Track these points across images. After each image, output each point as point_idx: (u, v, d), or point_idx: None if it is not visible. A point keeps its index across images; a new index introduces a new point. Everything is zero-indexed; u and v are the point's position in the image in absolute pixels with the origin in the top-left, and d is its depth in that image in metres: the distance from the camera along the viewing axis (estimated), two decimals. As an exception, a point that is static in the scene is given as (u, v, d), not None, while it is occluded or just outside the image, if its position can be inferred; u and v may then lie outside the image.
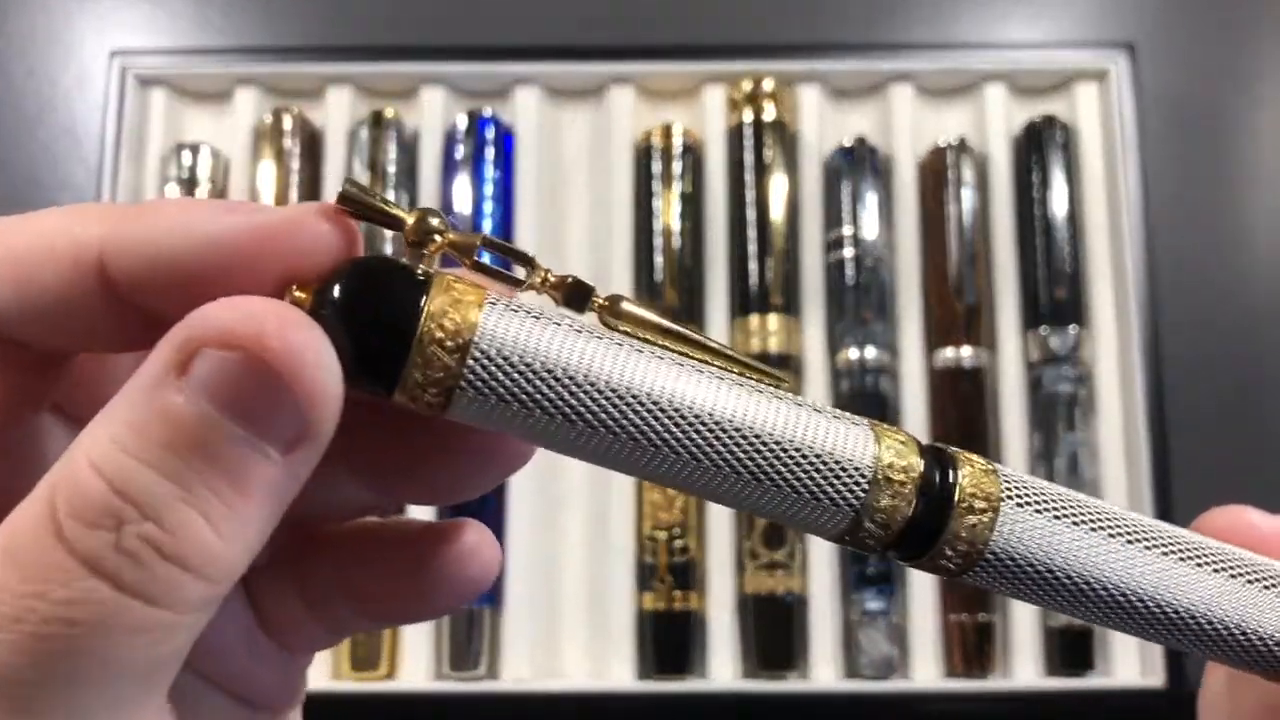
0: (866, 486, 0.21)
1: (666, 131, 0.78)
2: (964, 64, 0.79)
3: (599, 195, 0.78)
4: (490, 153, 0.77)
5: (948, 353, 0.75)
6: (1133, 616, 0.23)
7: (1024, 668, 0.71)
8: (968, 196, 0.76)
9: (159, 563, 0.17)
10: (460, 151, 0.77)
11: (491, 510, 0.72)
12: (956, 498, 0.22)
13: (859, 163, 0.77)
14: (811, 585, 0.72)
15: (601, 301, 0.21)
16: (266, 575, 0.23)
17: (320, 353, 0.18)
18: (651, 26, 0.81)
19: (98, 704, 0.17)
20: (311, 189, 0.77)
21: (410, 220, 0.20)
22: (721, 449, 0.21)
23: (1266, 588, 0.24)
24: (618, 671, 0.71)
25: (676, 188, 0.77)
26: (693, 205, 0.77)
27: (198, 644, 0.21)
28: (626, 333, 0.21)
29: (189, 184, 0.77)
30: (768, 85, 0.77)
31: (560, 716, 0.71)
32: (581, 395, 0.20)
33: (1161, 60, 0.79)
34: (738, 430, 0.21)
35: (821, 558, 0.72)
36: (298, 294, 0.19)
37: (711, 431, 0.20)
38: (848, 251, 0.76)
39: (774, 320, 0.74)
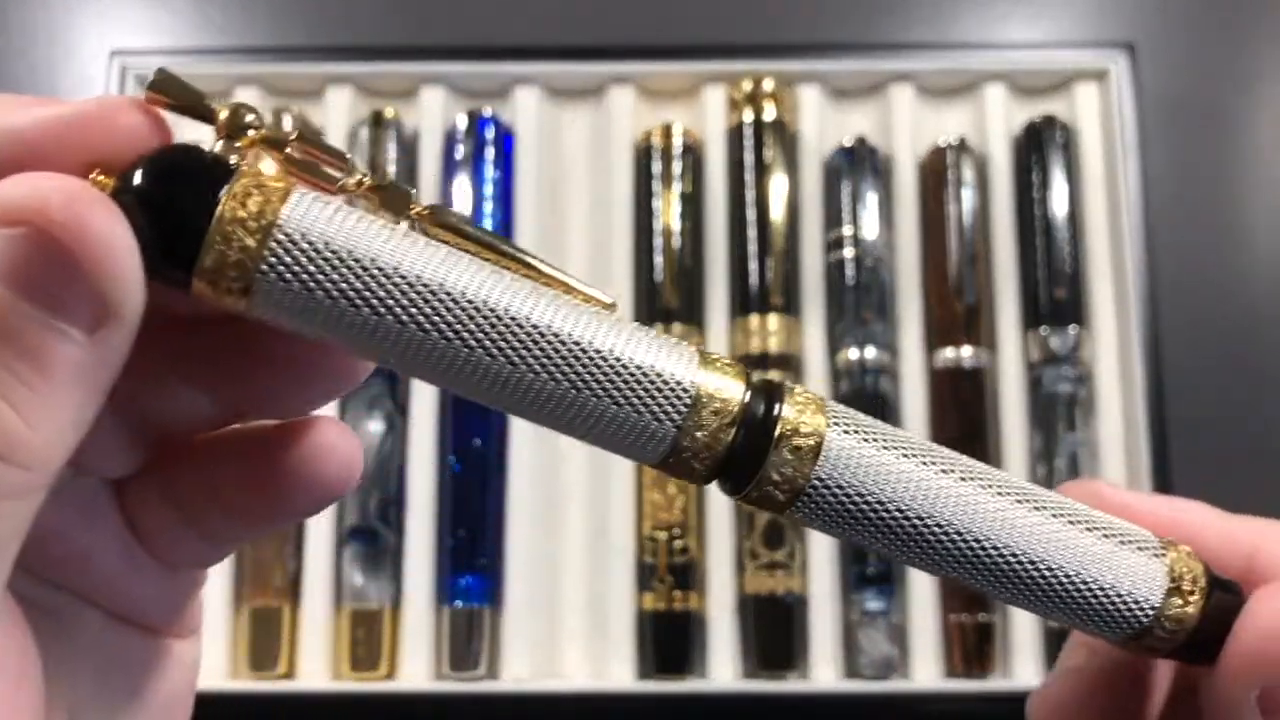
0: (684, 411, 0.20)
1: (666, 131, 0.78)
2: (964, 64, 0.78)
3: (599, 195, 0.78)
4: (490, 153, 0.77)
5: (948, 353, 0.74)
6: (965, 560, 0.22)
7: (1024, 668, 0.71)
8: (968, 196, 0.76)
9: None
10: (460, 151, 0.77)
11: (492, 512, 0.72)
12: (777, 429, 0.21)
13: (859, 163, 0.77)
14: (811, 585, 0.72)
15: (421, 210, 0.21)
16: (136, 486, 0.23)
17: (112, 228, 0.18)
18: (651, 26, 0.81)
19: None
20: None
21: (223, 113, 0.20)
22: (535, 359, 0.20)
23: (1105, 536, 0.23)
24: (618, 672, 0.71)
25: (676, 188, 0.77)
26: (693, 205, 0.77)
27: (68, 558, 0.21)
28: (446, 242, 0.21)
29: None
30: (768, 85, 0.77)
31: (560, 716, 0.71)
32: (389, 288, 0.19)
33: (1161, 60, 0.79)
34: (551, 341, 0.20)
35: (822, 557, 0.72)
36: (100, 179, 0.19)
37: (525, 339, 0.20)
38: (848, 251, 0.76)
39: (774, 320, 0.74)
